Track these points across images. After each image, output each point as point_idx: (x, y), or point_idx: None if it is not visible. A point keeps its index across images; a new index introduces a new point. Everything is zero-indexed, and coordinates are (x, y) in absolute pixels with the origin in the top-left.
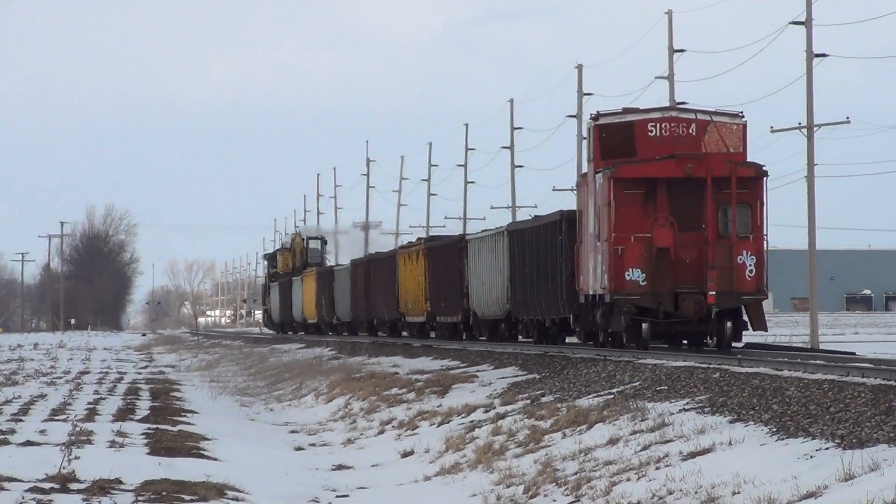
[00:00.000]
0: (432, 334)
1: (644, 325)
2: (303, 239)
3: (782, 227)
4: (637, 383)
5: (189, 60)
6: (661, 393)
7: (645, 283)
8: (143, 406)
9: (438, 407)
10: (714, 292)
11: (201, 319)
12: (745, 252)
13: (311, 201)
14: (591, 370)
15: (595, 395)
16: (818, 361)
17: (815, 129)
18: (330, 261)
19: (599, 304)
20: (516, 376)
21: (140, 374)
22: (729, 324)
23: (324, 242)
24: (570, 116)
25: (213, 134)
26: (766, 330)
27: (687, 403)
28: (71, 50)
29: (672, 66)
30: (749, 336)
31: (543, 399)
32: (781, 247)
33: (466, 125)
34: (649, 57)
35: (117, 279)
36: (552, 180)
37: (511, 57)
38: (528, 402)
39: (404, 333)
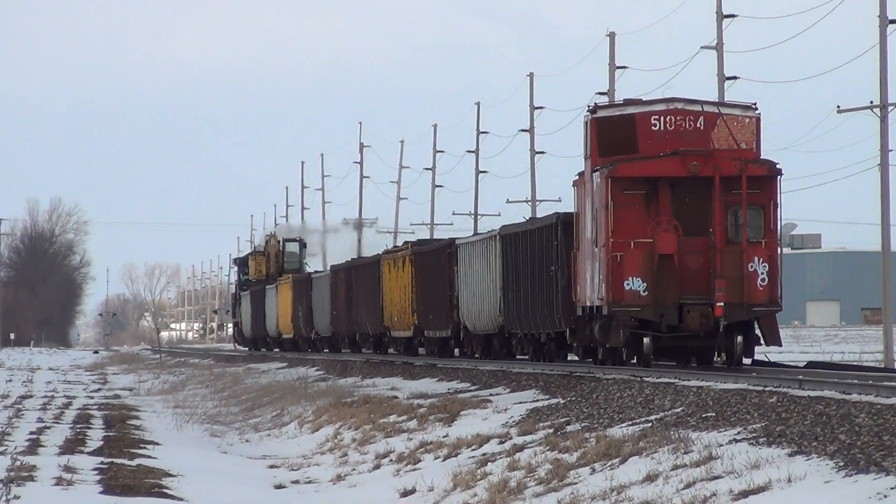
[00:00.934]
0: (421, 350)
1: (645, 340)
2: (278, 241)
3: (854, 226)
4: (679, 409)
5: (147, 27)
6: (708, 421)
7: (646, 293)
8: (96, 436)
9: (445, 437)
10: (722, 303)
11: (164, 334)
12: (756, 259)
13: (294, 194)
14: (625, 393)
15: (630, 422)
16: (893, 383)
17: (889, 108)
18: (316, 265)
19: (597, 316)
20: (536, 401)
21: (92, 398)
22: (739, 338)
23: (303, 245)
24: (601, 94)
25: (178, 115)
26: (780, 345)
27: (738, 433)
28: (6, 16)
29: (721, 34)
30: (805, 353)
31: (569, 428)
32: (851, 248)
33: (478, 104)
34: (693, 24)
35: (65, 286)
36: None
37: (532, 24)
38: (551, 431)
39: (391, 350)
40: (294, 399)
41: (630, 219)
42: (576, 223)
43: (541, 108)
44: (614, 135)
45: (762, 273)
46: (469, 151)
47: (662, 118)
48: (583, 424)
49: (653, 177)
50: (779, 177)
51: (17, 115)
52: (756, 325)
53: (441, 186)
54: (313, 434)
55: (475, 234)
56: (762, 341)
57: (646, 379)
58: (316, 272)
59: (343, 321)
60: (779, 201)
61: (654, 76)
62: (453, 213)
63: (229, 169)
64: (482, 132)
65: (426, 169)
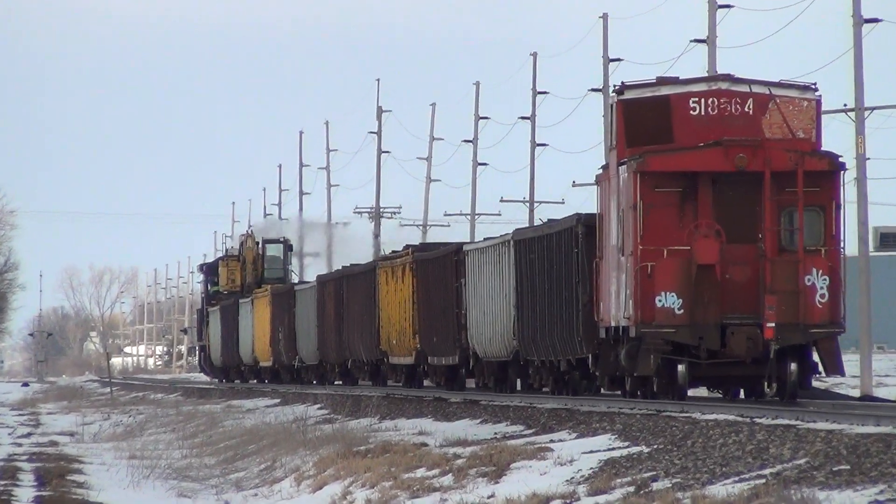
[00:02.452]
0: (426, 382)
1: (680, 368)
2: (256, 242)
3: None
4: (802, 460)
5: None
6: (841, 476)
7: (682, 311)
8: (24, 497)
9: (490, 498)
10: (773, 324)
11: (116, 360)
12: (815, 271)
13: (290, 175)
14: (730, 440)
15: (737, 478)
16: None
17: (866, 112)
18: (321, 269)
19: (623, 339)
20: (612, 449)
21: (20, 445)
22: (793, 365)
23: (288, 247)
24: (594, 90)
25: (136, 72)
26: (842, 374)
27: (881, 492)
28: None
29: (714, 28)
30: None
31: (655, 485)
32: None
33: (477, 84)
34: (684, 14)
35: None
36: (590, 164)
37: None
38: (632, 490)
39: (390, 382)
40: (290, 447)
41: (663, 222)
42: (598, 227)
43: (544, 92)
44: (645, 121)
45: (822, 287)
46: (523, 118)
47: (703, 101)
48: (674, 481)
49: (691, 171)
50: (842, 172)
51: None
52: (814, 351)
53: (485, 164)
54: (315, 494)
55: (474, 241)
56: (821, 369)
57: (757, 420)
58: (300, 283)
59: (332, 345)
60: (842, 202)
61: (649, 68)
62: (502, 200)
63: (204, 143)
64: (482, 117)
65: (465, 141)
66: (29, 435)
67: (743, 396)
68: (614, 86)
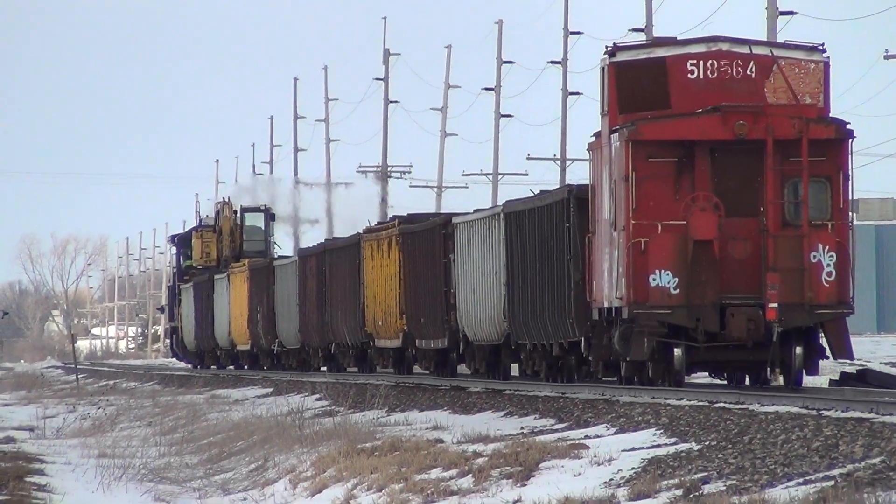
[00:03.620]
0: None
1: (676, 352)
2: (234, 211)
3: None
4: (877, 459)
5: None
6: None
7: (677, 290)
8: None
9: (516, 502)
10: (776, 304)
11: (83, 343)
12: (821, 247)
13: (282, 128)
14: (793, 435)
15: (801, 480)
16: None
17: None
18: (319, 238)
19: (617, 321)
20: (656, 446)
21: None
22: (798, 349)
23: (270, 216)
24: (553, 62)
25: (104, 10)
26: (851, 357)
27: None
28: None
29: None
30: None
31: (707, 488)
32: None
33: (500, 23)
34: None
35: None
36: None
37: None
38: (680, 493)
39: (380, 368)
40: (284, 444)
41: (657, 194)
42: (591, 200)
43: (578, 32)
44: (639, 85)
45: (828, 265)
46: (553, 62)
47: (702, 63)
48: (729, 483)
49: (687, 140)
50: (850, 140)
51: None
52: (821, 332)
53: (509, 116)
54: (313, 497)
55: (463, 212)
56: (828, 353)
57: (825, 413)
58: (280, 258)
59: (314, 327)
60: (850, 172)
61: (696, 11)
62: (528, 158)
63: (183, 92)
64: (506, 61)
65: (486, 89)
66: None
67: (748, 383)
68: (606, 47)
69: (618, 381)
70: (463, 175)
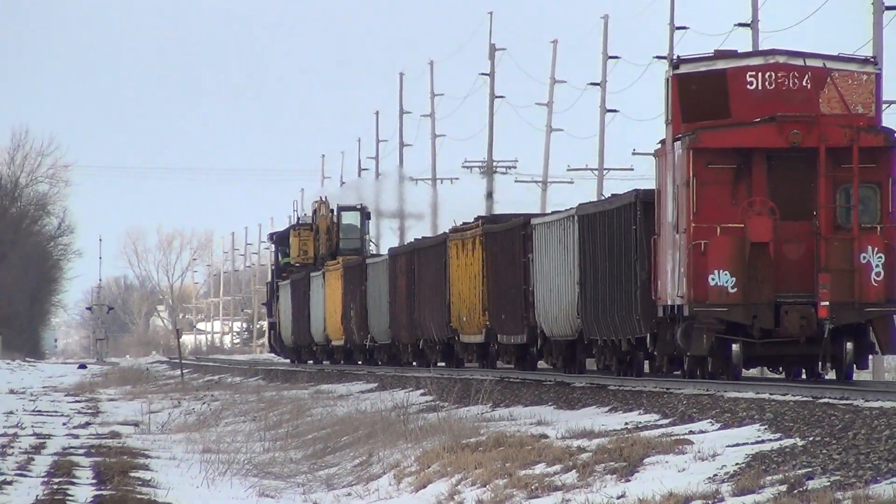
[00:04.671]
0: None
1: (734, 347)
2: (331, 210)
3: None
4: None
5: None
6: None
7: (735, 289)
8: (81, 497)
9: (620, 498)
10: (827, 303)
11: (188, 338)
12: (870, 249)
13: (388, 123)
14: None
15: None
16: None
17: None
18: (423, 231)
19: (679, 318)
20: (761, 441)
21: (76, 437)
22: (849, 345)
23: (366, 215)
24: (659, 57)
25: (212, 8)
26: None
27: None
28: None
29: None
30: None
31: (811, 483)
32: None
33: (606, 18)
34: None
35: (34, 266)
36: None
37: None
38: (784, 489)
39: (468, 364)
40: (389, 439)
41: (716, 199)
42: (657, 203)
43: (684, 29)
44: (701, 95)
45: (877, 265)
46: (659, 58)
47: (760, 75)
48: (833, 479)
49: (744, 148)
50: None
51: None
52: (870, 330)
53: (615, 111)
54: (417, 493)
55: (542, 213)
56: (877, 349)
57: None
58: (373, 256)
59: (403, 323)
60: None
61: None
62: (634, 153)
63: (290, 87)
64: (611, 57)
65: (591, 84)
66: (87, 425)
67: (805, 377)
68: (671, 59)
69: (681, 375)
70: (568, 170)
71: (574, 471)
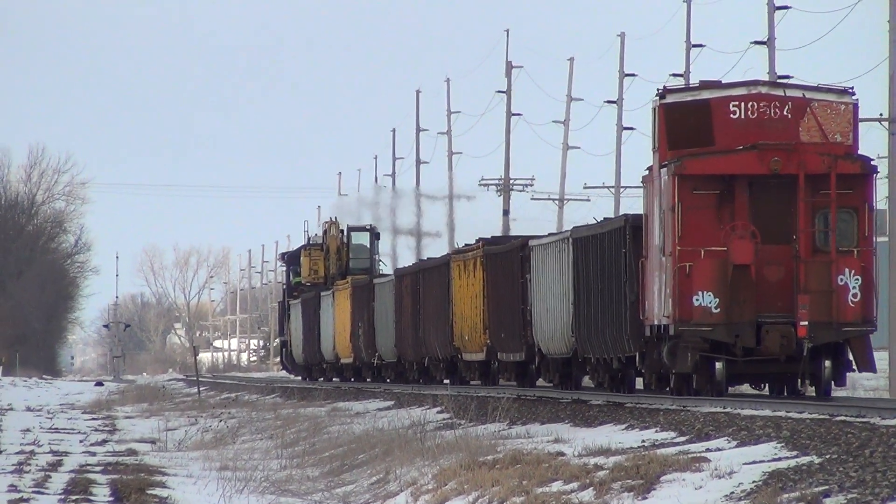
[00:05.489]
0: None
1: (718, 365)
2: (341, 230)
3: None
4: None
5: None
6: None
7: (718, 310)
8: None
9: None
10: (807, 322)
11: (205, 356)
12: (848, 271)
13: (404, 140)
14: None
15: None
16: None
17: None
18: (441, 250)
19: (665, 337)
20: (777, 458)
21: (93, 454)
22: (827, 363)
23: (375, 235)
24: (675, 75)
25: (227, 24)
26: (873, 371)
27: None
28: None
29: (773, 29)
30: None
31: (828, 501)
32: None
33: (622, 36)
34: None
35: (51, 283)
36: None
37: None
38: None
39: (472, 382)
40: (406, 456)
41: (700, 223)
42: (645, 227)
43: (698, 46)
44: (686, 124)
45: (854, 287)
46: (675, 75)
47: (743, 104)
48: (850, 496)
49: (727, 175)
50: (874, 175)
51: None
52: (848, 349)
53: (632, 129)
54: None
55: (539, 235)
56: (854, 367)
57: None
58: (380, 277)
59: (409, 342)
60: (874, 204)
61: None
62: (585, 187)
63: (306, 104)
64: (628, 74)
65: (608, 102)
66: (104, 442)
67: (787, 394)
68: (657, 89)
69: (668, 392)
70: (585, 188)
71: (591, 488)
